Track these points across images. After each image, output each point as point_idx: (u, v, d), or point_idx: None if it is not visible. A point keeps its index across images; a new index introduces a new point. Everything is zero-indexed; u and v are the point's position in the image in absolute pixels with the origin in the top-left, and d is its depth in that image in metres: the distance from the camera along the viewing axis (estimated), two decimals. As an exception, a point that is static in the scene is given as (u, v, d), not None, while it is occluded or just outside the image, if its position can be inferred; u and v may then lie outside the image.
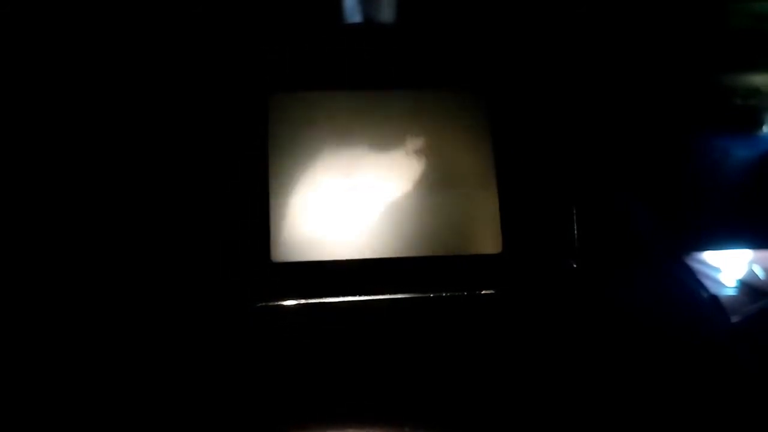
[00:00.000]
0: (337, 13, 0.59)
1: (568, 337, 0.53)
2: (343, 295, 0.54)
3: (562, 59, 0.60)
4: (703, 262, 0.61)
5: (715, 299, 0.57)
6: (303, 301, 0.54)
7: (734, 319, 0.57)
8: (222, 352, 0.50)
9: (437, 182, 0.57)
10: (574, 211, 0.58)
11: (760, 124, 0.65)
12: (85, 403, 0.47)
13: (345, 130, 0.58)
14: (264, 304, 0.53)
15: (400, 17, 0.60)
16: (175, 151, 0.55)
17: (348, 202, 0.57)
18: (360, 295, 0.54)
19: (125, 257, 0.53)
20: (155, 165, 0.55)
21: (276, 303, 0.53)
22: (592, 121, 0.60)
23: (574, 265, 0.57)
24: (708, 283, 0.59)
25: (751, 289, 0.61)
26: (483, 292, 0.55)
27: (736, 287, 0.61)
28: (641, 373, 0.51)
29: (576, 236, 0.57)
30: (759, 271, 0.62)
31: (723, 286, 0.61)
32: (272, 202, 0.56)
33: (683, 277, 0.59)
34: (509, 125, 0.59)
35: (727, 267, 0.62)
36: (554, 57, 0.60)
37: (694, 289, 0.58)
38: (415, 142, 0.58)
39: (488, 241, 0.57)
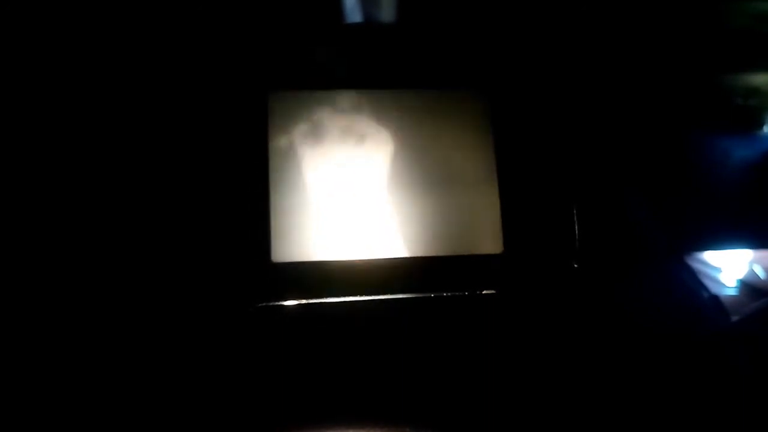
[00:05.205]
0: (338, 12, 0.59)
1: (569, 337, 0.53)
2: (343, 296, 0.54)
3: (563, 59, 0.60)
4: (703, 262, 0.61)
5: (715, 299, 0.57)
6: (303, 302, 0.54)
7: (734, 318, 0.57)
8: (222, 352, 0.50)
9: (438, 182, 0.57)
10: (575, 212, 0.58)
11: (760, 124, 0.65)
12: (85, 403, 0.47)
13: (345, 130, 0.57)
14: (264, 304, 0.53)
15: (402, 17, 0.60)
16: (175, 151, 0.55)
17: (348, 202, 0.57)
18: (360, 295, 0.54)
19: (125, 257, 0.53)
20: (155, 164, 0.55)
21: (276, 303, 0.53)
22: (593, 121, 0.60)
23: (575, 265, 0.57)
24: (708, 283, 0.59)
25: (751, 289, 0.61)
26: (484, 292, 0.55)
27: (736, 287, 0.61)
28: (641, 373, 0.51)
29: (577, 236, 0.57)
30: (759, 271, 0.62)
31: (723, 286, 0.61)
32: (272, 202, 0.56)
33: (684, 277, 0.59)
34: (510, 125, 0.59)
35: (727, 267, 0.62)
36: (555, 57, 0.60)
37: (694, 289, 0.58)
38: (417, 143, 0.58)
39: (489, 241, 0.57)
